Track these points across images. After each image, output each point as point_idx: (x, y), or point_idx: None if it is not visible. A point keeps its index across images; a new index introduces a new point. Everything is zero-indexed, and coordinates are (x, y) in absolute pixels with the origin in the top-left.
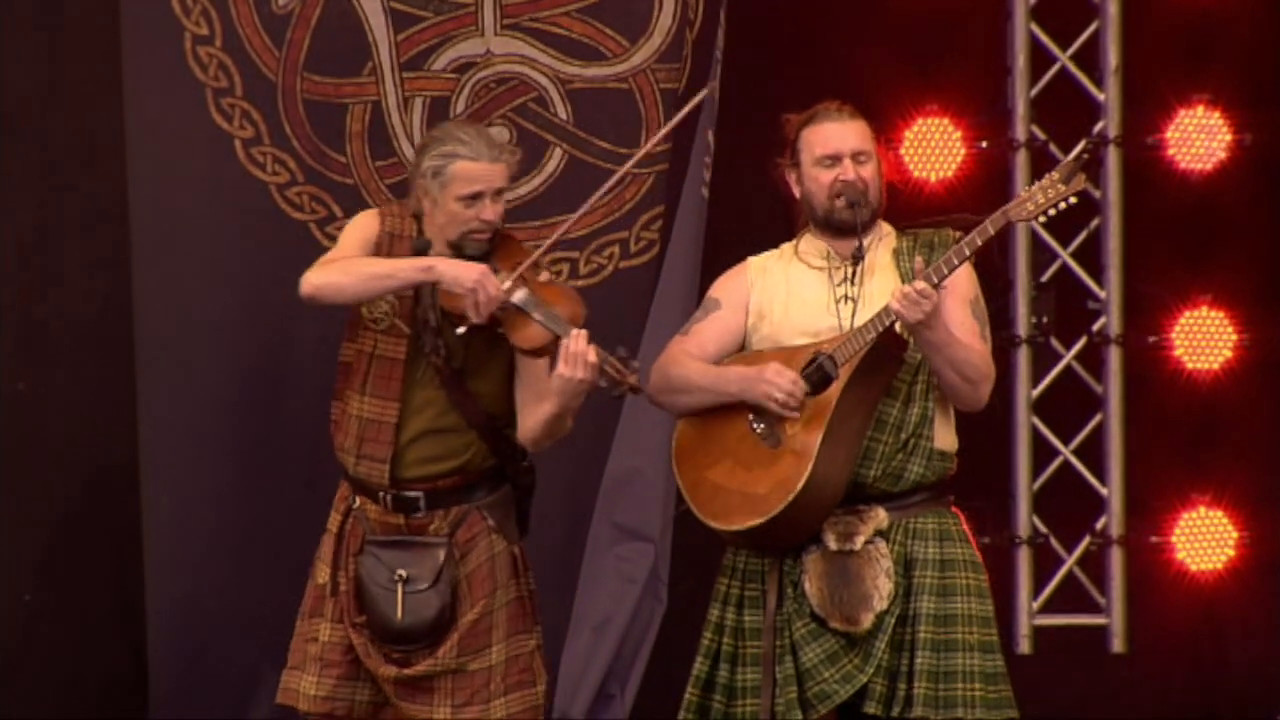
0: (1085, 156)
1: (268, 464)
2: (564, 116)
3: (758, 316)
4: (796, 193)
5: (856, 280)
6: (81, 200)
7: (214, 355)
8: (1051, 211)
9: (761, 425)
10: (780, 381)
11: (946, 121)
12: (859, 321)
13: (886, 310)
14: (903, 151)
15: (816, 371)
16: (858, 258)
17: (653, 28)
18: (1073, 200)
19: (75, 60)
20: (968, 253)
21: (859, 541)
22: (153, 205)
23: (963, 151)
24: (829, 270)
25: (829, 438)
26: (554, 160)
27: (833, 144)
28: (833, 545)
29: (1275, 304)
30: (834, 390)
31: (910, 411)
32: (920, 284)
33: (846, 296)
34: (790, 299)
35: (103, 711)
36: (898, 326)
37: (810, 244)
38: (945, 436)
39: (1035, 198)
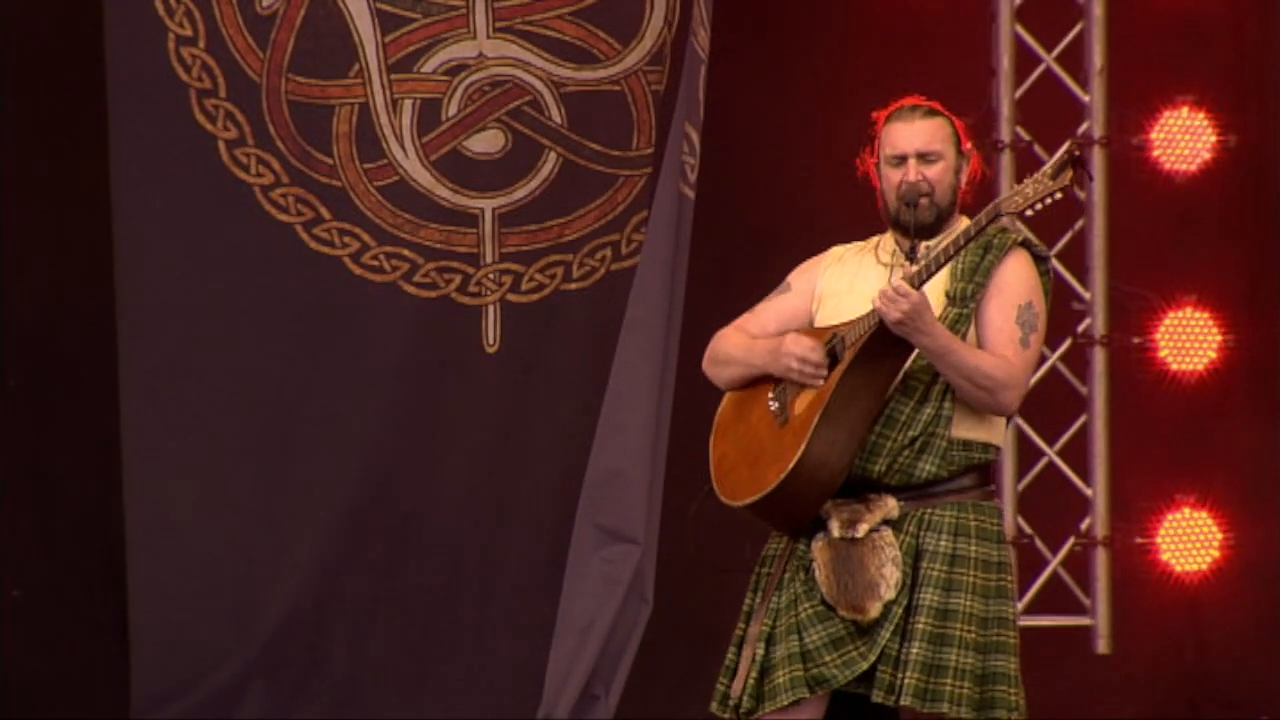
0: (1076, 154)
1: (256, 467)
2: (558, 120)
3: (819, 302)
4: (878, 189)
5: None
6: (64, 202)
7: (198, 356)
8: (1039, 206)
9: (776, 402)
10: (795, 349)
11: None
12: None
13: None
14: None
15: (830, 352)
16: (911, 258)
17: (644, 30)
18: (1059, 196)
19: (58, 63)
20: (953, 250)
21: (862, 529)
22: (136, 207)
23: None
24: (893, 267)
25: (826, 419)
26: (549, 164)
27: (900, 145)
28: (836, 532)
29: (1259, 305)
30: (836, 372)
31: (923, 411)
32: (899, 282)
33: None
34: (851, 290)
35: (86, 711)
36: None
37: (887, 240)
38: (973, 427)
39: (1024, 191)
